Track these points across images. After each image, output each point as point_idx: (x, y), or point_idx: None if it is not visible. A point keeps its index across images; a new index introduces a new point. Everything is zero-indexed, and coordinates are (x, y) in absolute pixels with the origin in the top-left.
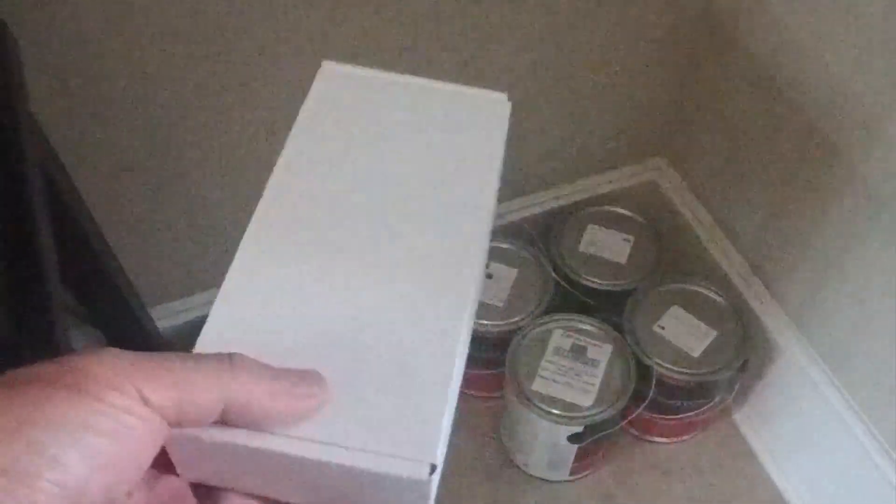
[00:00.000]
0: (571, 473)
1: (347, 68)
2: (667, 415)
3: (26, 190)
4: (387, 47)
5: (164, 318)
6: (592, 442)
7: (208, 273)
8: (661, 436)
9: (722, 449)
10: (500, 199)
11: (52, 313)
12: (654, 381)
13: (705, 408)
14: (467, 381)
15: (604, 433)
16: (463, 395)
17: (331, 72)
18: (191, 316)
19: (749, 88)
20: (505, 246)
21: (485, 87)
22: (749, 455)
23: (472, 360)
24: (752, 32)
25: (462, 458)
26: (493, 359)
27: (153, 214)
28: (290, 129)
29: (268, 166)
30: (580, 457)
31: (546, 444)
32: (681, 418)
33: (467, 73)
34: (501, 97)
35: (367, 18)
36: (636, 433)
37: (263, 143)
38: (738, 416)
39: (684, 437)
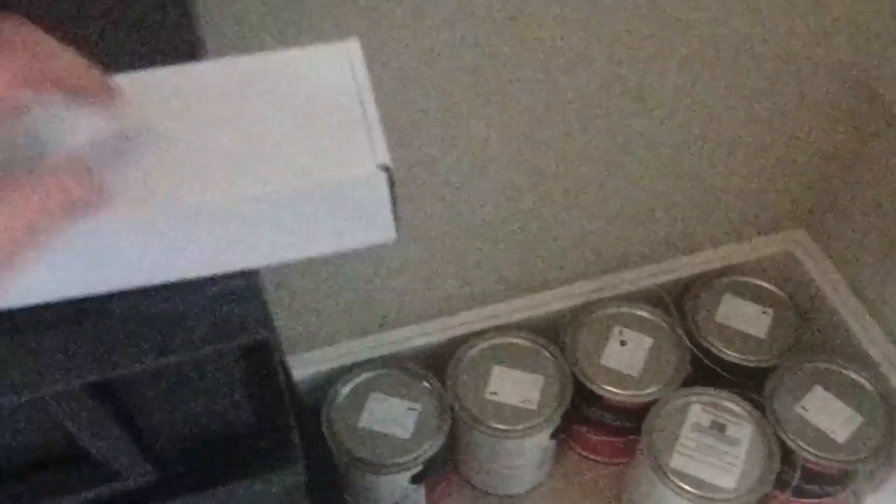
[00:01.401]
0: None
1: None
2: (802, 497)
3: None
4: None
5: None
6: None
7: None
8: None
9: None
10: (634, 263)
11: (284, 402)
12: (799, 468)
13: (842, 494)
14: (593, 447)
15: None
16: (587, 461)
17: None
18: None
19: None
20: (640, 313)
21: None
22: None
23: (600, 427)
24: None
25: None
26: (622, 427)
27: None
28: None
29: None
30: None
31: None
32: (817, 502)
33: (613, 138)
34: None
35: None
36: None
37: None
38: (871, 502)
39: None
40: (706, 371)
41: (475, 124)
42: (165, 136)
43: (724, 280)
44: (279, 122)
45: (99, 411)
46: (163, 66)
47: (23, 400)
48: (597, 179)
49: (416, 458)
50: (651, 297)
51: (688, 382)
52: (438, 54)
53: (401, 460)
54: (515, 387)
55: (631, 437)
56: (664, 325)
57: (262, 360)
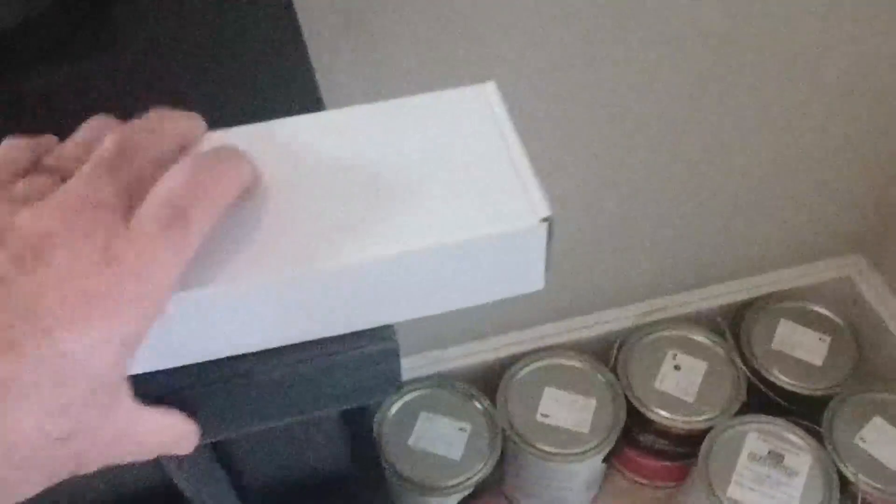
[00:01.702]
0: None
1: None
2: None
3: None
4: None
5: None
6: None
7: None
8: None
9: None
10: (689, 286)
11: (376, 450)
12: (859, 500)
13: None
14: (642, 470)
15: None
16: (634, 483)
17: None
18: None
19: None
20: (694, 337)
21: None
22: None
23: (651, 451)
24: None
25: None
26: (673, 452)
27: None
28: None
29: None
30: None
31: None
32: None
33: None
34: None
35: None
36: None
37: None
38: None
39: None
40: (761, 398)
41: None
42: (302, 191)
43: (781, 305)
44: (422, 172)
45: (207, 462)
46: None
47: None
48: (654, 202)
49: (466, 481)
50: (706, 321)
51: (742, 409)
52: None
53: (451, 483)
54: (567, 409)
55: (681, 462)
56: (719, 349)
57: (358, 411)
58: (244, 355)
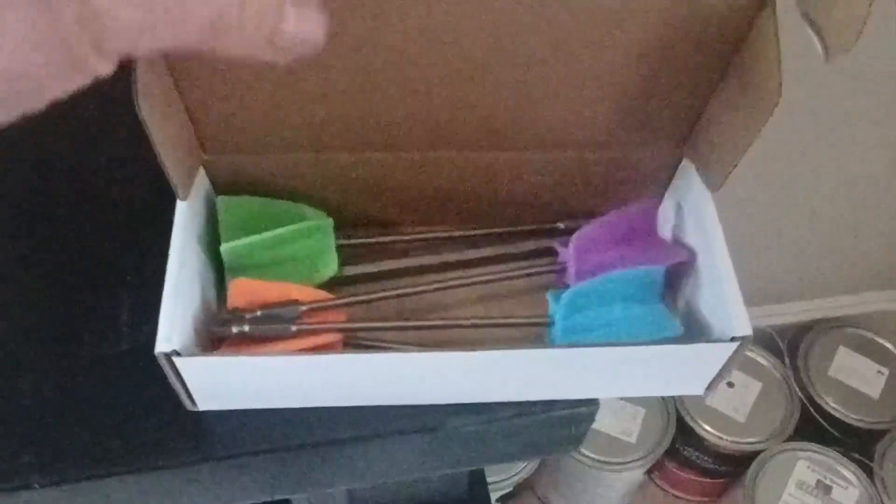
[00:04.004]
0: None
1: None
2: None
3: None
4: None
5: None
6: None
7: None
8: None
9: None
10: (750, 301)
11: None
12: None
13: None
14: (680, 484)
15: None
16: (669, 496)
17: None
18: None
19: None
20: (750, 355)
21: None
22: None
23: (693, 466)
24: None
25: None
26: (716, 470)
27: None
28: None
29: None
30: None
31: None
32: None
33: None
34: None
35: None
36: None
37: None
38: None
39: None
40: (813, 425)
41: None
42: None
43: (842, 331)
44: None
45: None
46: None
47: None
48: (726, 214)
49: (508, 480)
50: (763, 339)
51: (793, 435)
52: None
53: (493, 480)
54: (615, 415)
55: (720, 480)
56: (775, 371)
57: None
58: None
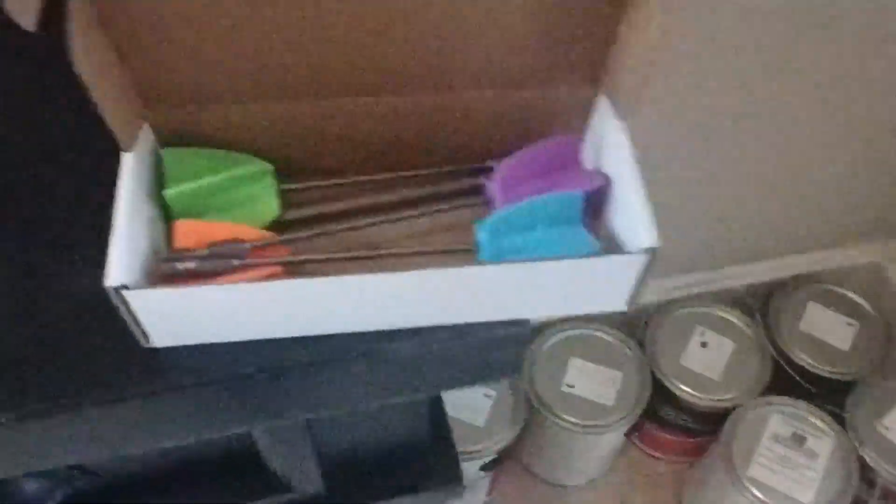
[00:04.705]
0: None
1: None
2: None
3: None
4: None
5: None
6: None
7: None
8: None
9: None
10: (719, 263)
11: (449, 428)
12: (878, 489)
13: None
14: (659, 444)
15: None
16: (648, 457)
17: None
18: None
19: None
20: (723, 314)
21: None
22: None
23: (672, 426)
24: None
25: None
26: (694, 429)
27: None
28: None
29: None
30: None
31: None
32: None
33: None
34: None
35: None
36: None
37: None
38: None
39: None
40: (786, 379)
41: None
42: None
43: (811, 287)
44: None
45: (302, 438)
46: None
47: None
48: (689, 182)
49: (489, 447)
50: (735, 299)
51: (767, 390)
52: None
53: (475, 448)
54: (592, 381)
55: (699, 438)
56: (747, 329)
57: None
58: (375, 333)
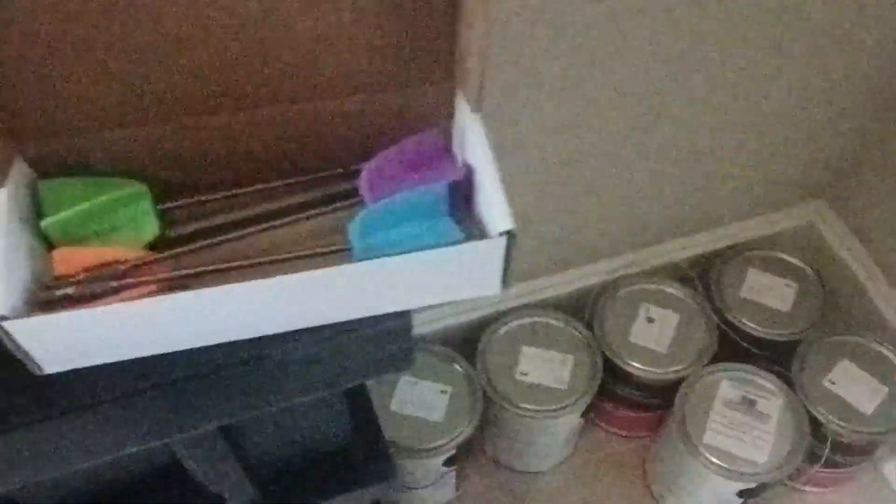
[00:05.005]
0: None
1: None
2: (826, 468)
3: None
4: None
5: None
6: (760, 496)
7: None
8: (814, 486)
9: (873, 501)
10: (657, 239)
11: (376, 419)
12: (829, 441)
13: (866, 462)
14: (618, 422)
15: (773, 488)
16: (611, 435)
17: None
18: None
19: None
20: (666, 289)
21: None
22: None
23: (627, 403)
24: None
25: (607, 497)
26: (649, 403)
27: None
28: None
29: None
30: None
31: (711, 495)
32: (841, 472)
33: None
34: None
35: None
36: (789, 483)
37: None
38: (888, 468)
39: (834, 488)
40: (732, 345)
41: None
42: None
43: (749, 254)
44: None
45: (215, 442)
46: None
47: (165, 441)
48: (621, 157)
49: (449, 442)
50: (676, 273)
51: (715, 357)
52: None
53: (435, 444)
54: (545, 367)
55: (657, 412)
56: (690, 300)
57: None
58: (265, 338)
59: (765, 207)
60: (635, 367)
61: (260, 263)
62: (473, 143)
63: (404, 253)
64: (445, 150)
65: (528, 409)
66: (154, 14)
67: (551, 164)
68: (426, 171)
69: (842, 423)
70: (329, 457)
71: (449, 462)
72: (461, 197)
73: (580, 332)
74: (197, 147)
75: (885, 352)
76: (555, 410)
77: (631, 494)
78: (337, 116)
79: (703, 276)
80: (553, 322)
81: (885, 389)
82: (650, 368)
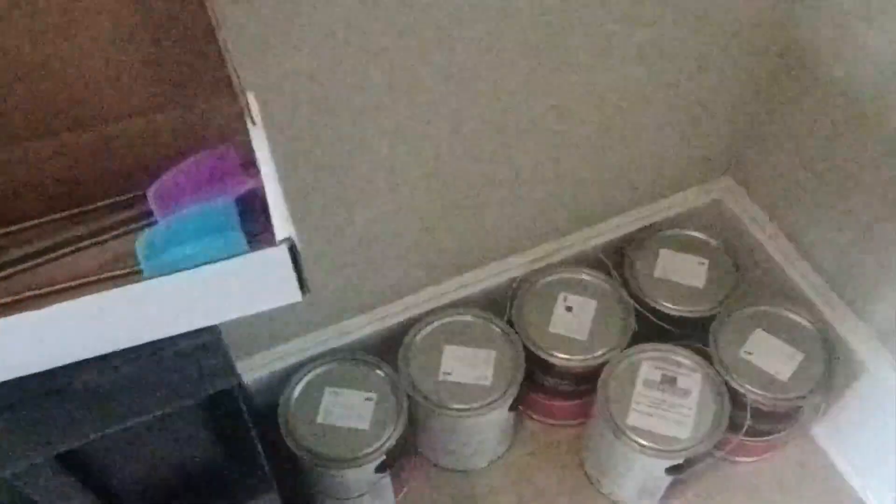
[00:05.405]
0: (661, 499)
1: None
2: (754, 437)
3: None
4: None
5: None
6: (689, 470)
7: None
8: (745, 455)
9: (804, 464)
10: (568, 229)
11: (251, 433)
12: (749, 410)
13: (792, 428)
14: (550, 412)
15: (701, 462)
16: (545, 426)
17: None
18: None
19: (825, 107)
20: (581, 277)
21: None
22: (831, 468)
23: (555, 392)
24: (833, 55)
25: (547, 486)
26: (577, 390)
27: None
28: None
29: None
30: (673, 484)
31: (641, 475)
32: (768, 440)
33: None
34: None
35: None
36: (719, 455)
37: None
38: (816, 431)
39: (766, 456)
40: (651, 326)
41: (400, 110)
42: None
43: (659, 235)
44: None
45: (63, 479)
46: None
47: None
48: (521, 150)
49: (378, 449)
50: (590, 261)
51: (636, 339)
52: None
53: (363, 452)
54: (468, 364)
55: (586, 398)
56: (606, 286)
57: (225, 397)
58: (74, 366)
59: (673, 189)
60: (558, 357)
61: (50, 293)
62: (259, 155)
63: (176, 270)
64: (241, 165)
65: (455, 409)
66: None
67: (446, 165)
68: (219, 186)
69: (760, 392)
70: (202, 475)
71: (381, 468)
72: (255, 208)
73: (500, 327)
74: None
75: (798, 318)
76: (481, 407)
77: (570, 481)
78: (122, 140)
79: (616, 261)
80: (473, 319)
81: (801, 355)
82: (572, 357)
